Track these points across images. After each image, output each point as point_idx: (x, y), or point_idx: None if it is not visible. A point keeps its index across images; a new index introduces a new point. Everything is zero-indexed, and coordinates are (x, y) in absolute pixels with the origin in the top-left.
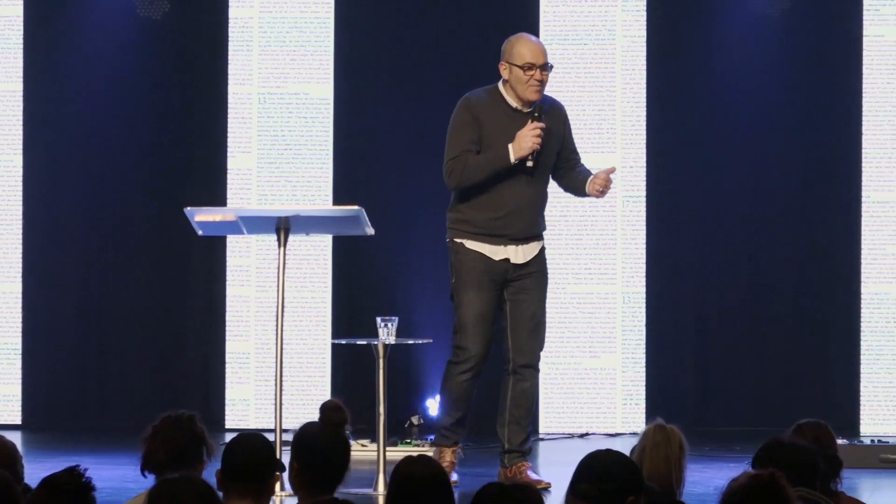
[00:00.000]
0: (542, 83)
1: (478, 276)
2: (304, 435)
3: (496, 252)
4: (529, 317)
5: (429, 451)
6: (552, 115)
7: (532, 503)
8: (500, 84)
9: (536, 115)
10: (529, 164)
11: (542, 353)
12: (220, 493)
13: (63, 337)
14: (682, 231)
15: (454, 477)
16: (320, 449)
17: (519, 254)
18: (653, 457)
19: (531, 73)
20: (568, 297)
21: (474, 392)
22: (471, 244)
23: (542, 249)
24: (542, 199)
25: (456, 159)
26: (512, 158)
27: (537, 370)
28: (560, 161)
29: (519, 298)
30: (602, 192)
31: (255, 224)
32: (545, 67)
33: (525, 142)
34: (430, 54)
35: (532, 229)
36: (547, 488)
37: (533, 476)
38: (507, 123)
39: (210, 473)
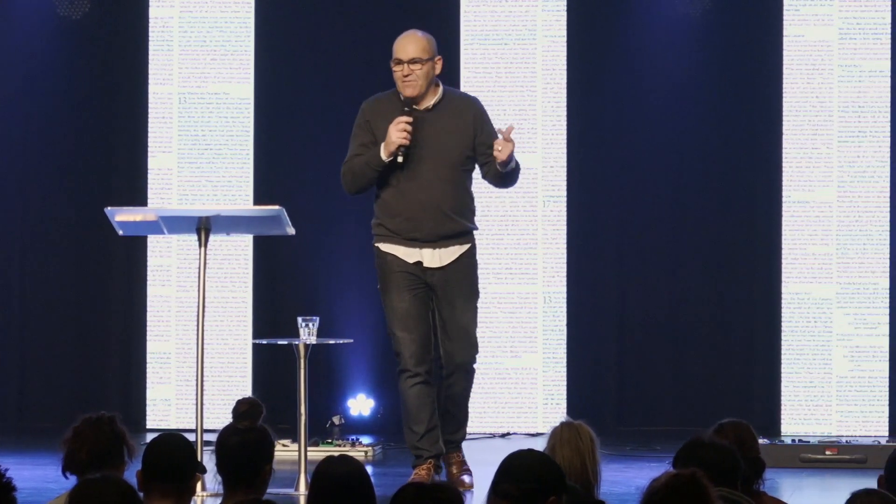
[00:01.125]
0: (410, 77)
1: (396, 278)
2: (220, 437)
3: (410, 255)
4: (455, 325)
5: (350, 451)
6: (455, 111)
7: (451, 502)
8: None
9: (406, 109)
10: (399, 159)
11: (476, 354)
12: (142, 494)
13: None
14: (603, 231)
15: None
16: (234, 448)
17: (434, 257)
18: (564, 453)
19: (398, 69)
20: (489, 297)
21: (433, 401)
22: (386, 247)
23: (467, 253)
24: (454, 198)
25: (345, 164)
26: (383, 155)
27: (469, 372)
28: (479, 157)
29: (442, 306)
30: (502, 153)
31: (175, 224)
32: (413, 62)
33: (390, 137)
34: (351, 54)
35: (443, 230)
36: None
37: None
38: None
39: (131, 474)
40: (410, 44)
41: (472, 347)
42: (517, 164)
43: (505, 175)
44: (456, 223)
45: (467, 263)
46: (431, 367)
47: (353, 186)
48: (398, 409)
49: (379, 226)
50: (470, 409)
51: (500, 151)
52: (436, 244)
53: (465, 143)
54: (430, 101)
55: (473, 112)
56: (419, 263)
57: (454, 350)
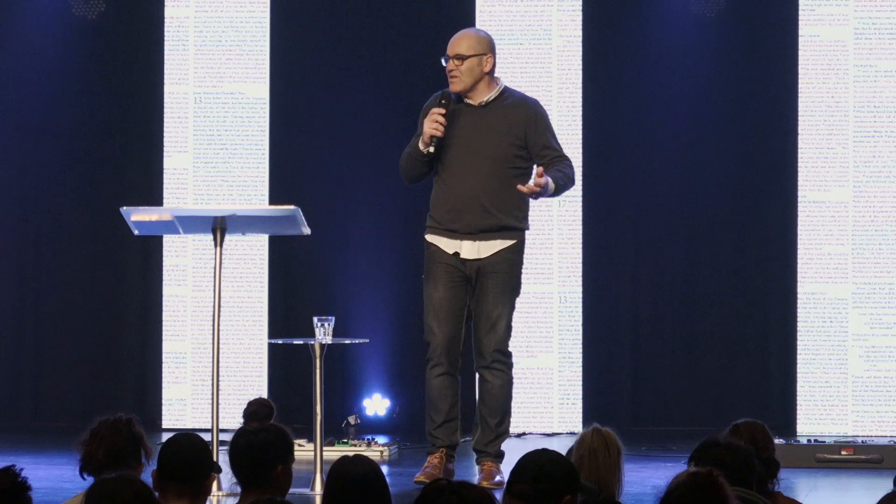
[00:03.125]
0: (454, 73)
1: (436, 270)
2: (236, 437)
3: (450, 246)
4: (486, 317)
5: (365, 451)
6: (508, 110)
7: (474, 499)
8: None
9: (442, 102)
10: (431, 150)
11: (507, 349)
12: (157, 493)
13: None
14: (618, 230)
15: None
16: (247, 449)
17: (473, 249)
18: (591, 466)
19: (447, 65)
20: None
21: (455, 393)
22: (431, 238)
23: (509, 248)
24: (495, 194)
25: (402, 154)
26: (420, 146)
27: (501, 369)
28: (535, 159)
29: (478, 298)
30: (532, 193)
31: (191, 224)
32: (456, 57)
33: (424, 128)
34: (367, 54)
35: (483, 224)
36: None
37: (495, 478)
38: (451, 116)
39: (147, 474)
40: (458, 40)
41: (500, 342)
42: (563, 183)
43: (553, 195)
44: (496, 218)
45: (508, 259)
46: (458, 362)
47: (405, 176)
48: (414, 409)
49: (429, 217)
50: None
51: (529, 192)
52: (476, 236)
53: (512, 142)
54: (483, 98)
55: (527, 112)
56: (457, 254)
57: (482, 343)
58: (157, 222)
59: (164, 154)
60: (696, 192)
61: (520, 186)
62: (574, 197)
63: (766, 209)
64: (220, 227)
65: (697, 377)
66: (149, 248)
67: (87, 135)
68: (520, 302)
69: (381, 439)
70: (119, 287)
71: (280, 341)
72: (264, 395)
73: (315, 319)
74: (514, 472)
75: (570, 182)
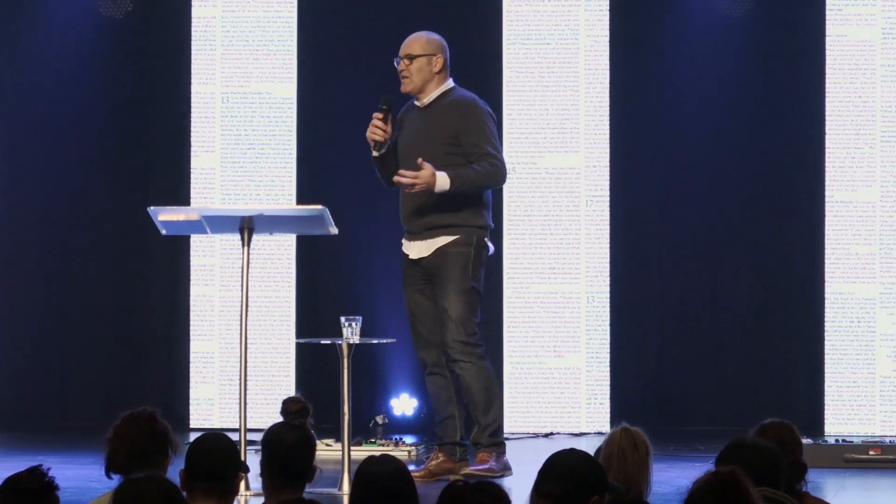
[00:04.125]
0: (404, 73)
1: (404, 276)
2: (269, 434)
3: (407, 248)
4: (439, 314)
5: (393, 451)
6: (443, 109)
7: (498, 499)
8: None
9: (382, 107)
10: (375, 153)
11: (465, 340)
12: (185, 493)
13: (25, 337)
14: (645, 230)
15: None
16: (282, 446)
17: (413, 249)
18: (620, 465)
19: (398, 66)
20: (532, 297)
21: (447, 391)
22: (403, 244)
23: (453, 242)
24: (431, 194)
25: None
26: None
27: (467, 360)
28: (468, 157)
29: (435, 295)
30: (409, 184)
31: (218, 223)
32: (406, 57)
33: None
34: (393, 53)
35: (424, 222)
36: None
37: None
38: (405, 117)
39: (175, 470)
40: (408, 41)
41: (459, 336)
42: (469, 178)
43: (456, 189)
44: (435, 216)
45: (451, 253)
46: (440, 358)
47: (380, 177)
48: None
49: None
50: (514, 409)
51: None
52: (420, 236)
53: (444, 140)
54: (426, 99)
55: (459, 111)
56: (407, 255)
57: (444, 339)
58: (184, 222)
59: (192, 154)
60: (723, 191)
61: (395, 177)
62: (601, 197)
63: (793, 209)
64: (247, 226)
65: (725, 377)
66: (176, 248)
67: (114, 135)
68: (547, 301)
69: (409, 439)
70: (146, 287)
71: (307, 341)
72: (293, 394)
73: (342, 319)
74: (541, 472)
75: (479, 177)
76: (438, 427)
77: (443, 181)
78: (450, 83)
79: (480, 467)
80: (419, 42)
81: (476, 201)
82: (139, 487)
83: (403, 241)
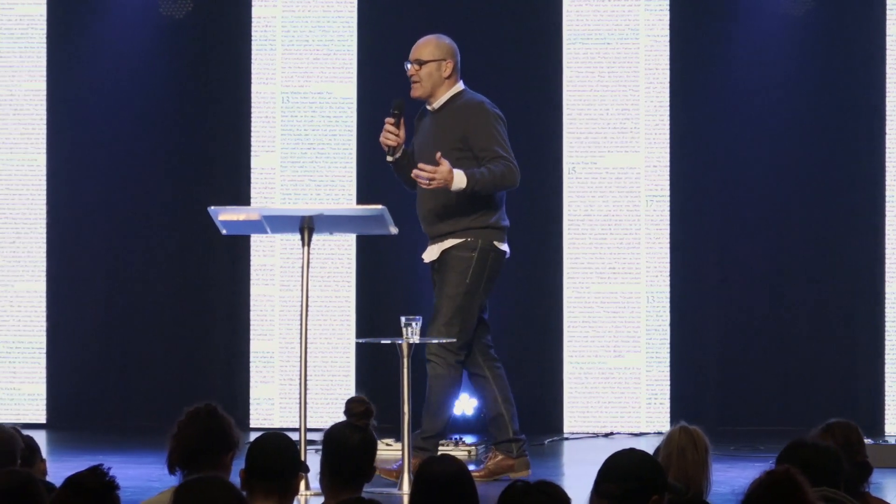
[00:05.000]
0: (413, 78)
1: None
2: (331, 433)
3: (426, 252)
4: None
5: (453, 451)
6: (452, 113)
7: (558, 499)
8: None
9: (394, 112)
10: (389, 158)
11: (442, 343)
12: (245, 493)
13: (87, 336)
14: (705, 230)
15: None
16: (346, 447)
17: (427, 253)
18: (679, 464)
19: (408, 70)
20: (592, 297)
21: (491, 390)
22: None
23: (457, 247)
24: (439, 197)
25: None
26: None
27: (434, 363)
28: (478, 161)
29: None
30: (426, 179)
31: (278, 223)
32: (415, 62)
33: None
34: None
35: (435, 227)
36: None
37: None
38: (419, 122)
39: (238, 465)
40: (418, 45)
41: (437, 333)
42: (483, 178)
43: (473, 189)
44: (444, 220)
45: (455, 257)
46: (475, 358)
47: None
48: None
49: None
50: (574, 409)
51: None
52: (434, 239)
53: (453, 145)
54: (436, 103)
55: (466, 115)
56: (423, 260)
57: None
58: (244, 222)
59: (252, 153)
60: (784, 190)
61: (413, 171)
62: (661, 196)
63: (853, 208)
64: (307, 226)
65: (785, 376)
66: (236, 248)
67: (174, 135)
68: (607, 301)
69: (469, 439)
70: (207, 287)
71: (367, 341)
72: (352, 394)
73: (402, 319)
74: (601, 472)
75: (494, 178)
76: (490, 426)
77: (459, 179)
78: (459, 86)
79: (390, 467)
80: (428, 47)
81: (485, 203)
82: (200, 486)
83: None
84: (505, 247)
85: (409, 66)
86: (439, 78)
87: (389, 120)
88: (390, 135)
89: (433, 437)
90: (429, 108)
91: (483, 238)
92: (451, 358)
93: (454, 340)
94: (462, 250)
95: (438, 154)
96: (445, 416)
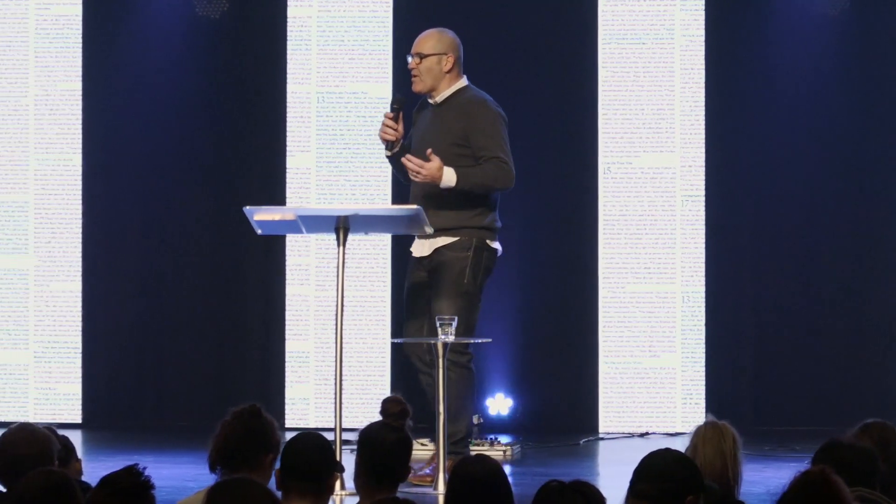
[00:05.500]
0: (414, 72)
1: (408, 271)
2: (367, 433)
3: (413, 246)
4: (433, 314)
5: (488, 451)
6: (453, 109)
7: (594, 499)
8: None
9: (394, 106)
10: (387, 153)
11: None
12: (280, 493)
13: (123, 336)
14: (741, 230)
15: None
16: (381, 447)
17: (417, 247)
18: (706, 452)
19: (410, 64)
20: (627, 297)
21: (426, 387)
22: None
23: (451, 245)
24: (434, 193)
25: None
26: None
27: (449, 367)
28: (476, 158)
29: (431, 295)
30: (416, 174)
31: (314, 223)
32: (416, 55)
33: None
34: (489, 54)
35: (430, 221)
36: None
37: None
38: (419, 115)
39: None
40: (420, 39)
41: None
42: (475, 178)
43: (462, 186)
44: (437, 216)
45: (450, 256)
46: (427, 358)
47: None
48: (537, 409)
49: None
50: (609, 409)
51: (418, 174)
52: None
53: (452, 140)
54: (439, 97)
55: (468, 112)
56: (410, 253)
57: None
58: (280, 222)
59: (287, 153)
60: (819, 190)
61: (402, 159)
62: (697, 196)
63: (890, 207)
64: (342, 226)
65: (821, 376)
66: (272, 248)
67: (209, 134)
68: (642, 301)
69: (504, 439)
70: (242, 286)
71: (403, 341)
72: (387, 394)
73: (438, 318)
74: (636, 472)
75: (487, 179)
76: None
77: (449, 177)
78: (463, 81)
79: (423, 472)
80: (430, 41)
81: (479, 203)
82: (233, 487)
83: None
84: (497, 245)
85: (410, 59)
86: (440, 72)
87: (388, 114)
88: (389, 129)
89: (461, 439)
90: (431, 101)
91: (477, 237)
92: (461, 359)
93: (463, 346)
94: (457, 249)
95: (429, 151)
96: (469, 417)
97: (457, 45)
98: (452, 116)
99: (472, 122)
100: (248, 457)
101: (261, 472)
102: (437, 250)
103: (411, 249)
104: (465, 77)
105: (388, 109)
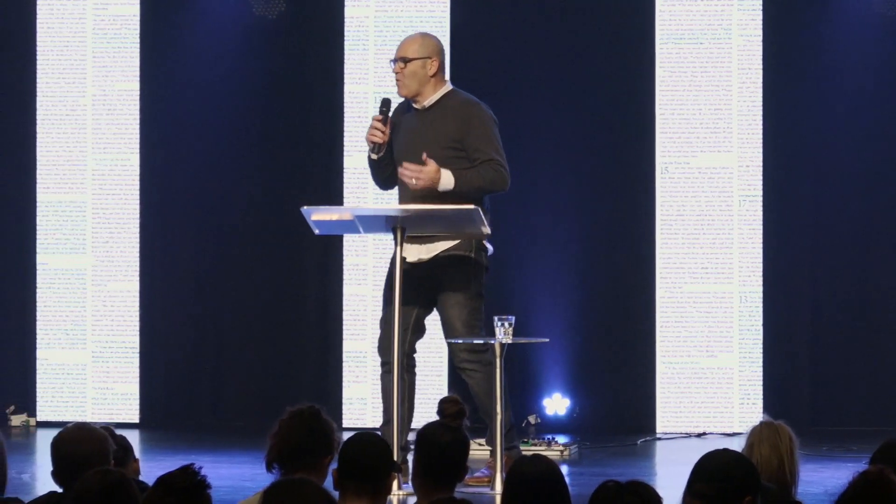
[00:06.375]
0: (398, 76)
1: (389, 274)
2: (424, 433)
3: (405, 250)
4: (446, 319)
5: (545, 451)
6: (445, 112)
7: (650, 500)
8: None
9: (382, 109)
10: (373, 156)
11: (472, 348)
12: (337, 493)
13: (180, 335)
14: (798, 230)
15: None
16: (438, 447)
17: (411, 252)
18: (762, 451)
19: (393, 68)
20: (685, 297)
21: (400, 389)
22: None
23: (453, 248)
24: (427, 197)
25: None
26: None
27: (471, 369)
28: (470, 161)
29: (437, 302)
30: (411, 180)
31: (371, 223)
32: (400, 59)
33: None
34: (546, 53)
35: (418, 229)
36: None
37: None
38: (401, 120)
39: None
40: (403, 43)
41: (467, 343)
42: (474, 181)
43: (461, 190)
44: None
45: (455, 259)
46: (401, 359)
47: (374, 179)
48: (594, 409)
49: None
50: (666, 409)
51: (413, 180)
52: (420, 239)
53: (447, 143)
54: (426, 101)
55: (463, 114)
56: (404, 259)
57: (451, 346)
58: (337, 222)
59: (345, 153)
60: (876, 190)
61: (399, 169)
62: (754, 196)
63: None
64: (399, 226)
65: (878, 377)
66: (329, 248)
67: (267, 135)
68: (700, 301)
69: (562, 439)
70: (299, 286)
71: (460, 340)
72: (445, 394)
73: (495, 319)
74: (694, 472)
75: (483, 181)
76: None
77: (447, 180)
78: (449, 85)
79: (480, 473)
80: (414, 45)
81: (478, 204)
82: (290, 488)
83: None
84: (490, 247)
85: (393, 64)
86: (424, 76)
87: (377, 117)
88: (377, 132)
89: (510, 430)
90: (416, 106)
91: (476, 239)
92: (482, 357)
93: (481, 345)
94: (460, 251)
95: (424, 154)
96: (508, 410)
97: (440, 50)
98: (445, 120)
99: (467, 124)
100: (307, 458)
101: (318, 473)
102: (439, 255)
103: (404, 255)
104: (449, 81)
105: (378, 111)
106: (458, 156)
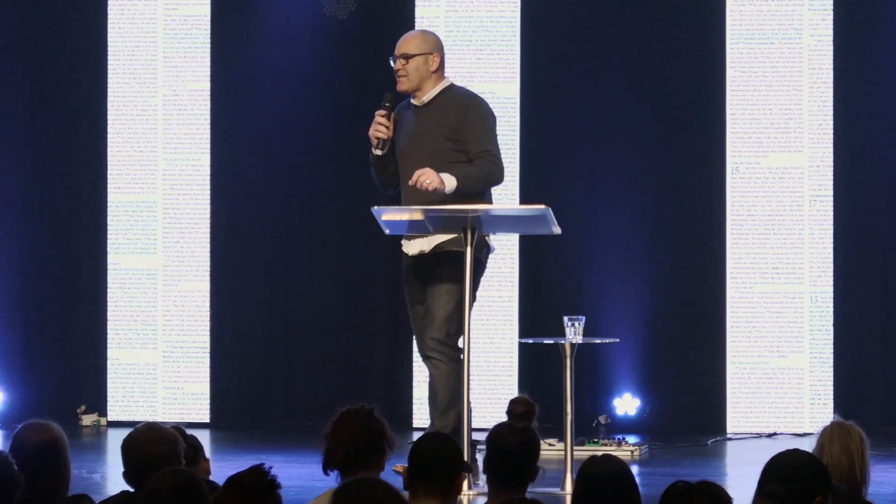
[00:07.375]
0: (400, 72)
1: (404, 274)
2: (493, 434)
3: (404, 246)
4: (427, 308)
5: (615, 451)
6: (443, 107)
7: (720, 500)
8: None
9: (385, 104)
10: (377, 152)
11: (443, 340)
12: (407, 493)
13: (251, 335)
14: (869, 230)
15: None
16: (505, 447)
17: (413, 246)
18: (832, 451)
19: (394, 65)
20: (755, 297)
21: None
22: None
23: (449, 242)
24: (431, 195)
25: None
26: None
27: (436, 360)
28: (466, 154)
29: (427, 292)
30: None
31: (441, 223)
32: (402, 56)
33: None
34: (616, 53)
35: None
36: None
37: None
38: (402, 117)
39: (389, 465)
40: (404, 40)
41: (438, 334)
42: (469, 179)
43: (462, 190)
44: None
45: (450, 252)
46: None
47: (374, 181)
48: (664, 409)
49: None
50: (736, 409)
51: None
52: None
53: (447, 136)
54: (425, 97)
55: (461, 108)
56: (406, 254)
57: (423, 334)
58: (407, 221)
59: None
60: None
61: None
62: (825, 196)
63: None
64: (470, 226)
65: None
66: (398, 247)
67: (337, 134)
68: (770, 301)
69: (632, 439)
70: (370, 287)
71: (531, 340)
72: (515, 394)
73: (565, 319)
74: (764, 472)
75: (481, 176)
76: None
77: (450, 182)
78: (447, 81)
79: None
80: (415, 41)
81: (475, 201)
82: (362, 488)
83: (403, 241)
84: (493, 245)
85: (394, 61)
86: (426, 72)
87: (380, 112)
88: (381, 127)
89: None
90: (415, 102)
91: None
92: (452, 353)
93: (454, 340)
94: (457, 245)
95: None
96: (456, 412)
97: (440, 46)
98: (444, 113)
99: (465, 115)
100: (366, 458)
101: (375, 472)
102: (437, 247)
103: (405, 251)
104: (448, 77)
105: (380, 107)
106: (456, 149)
